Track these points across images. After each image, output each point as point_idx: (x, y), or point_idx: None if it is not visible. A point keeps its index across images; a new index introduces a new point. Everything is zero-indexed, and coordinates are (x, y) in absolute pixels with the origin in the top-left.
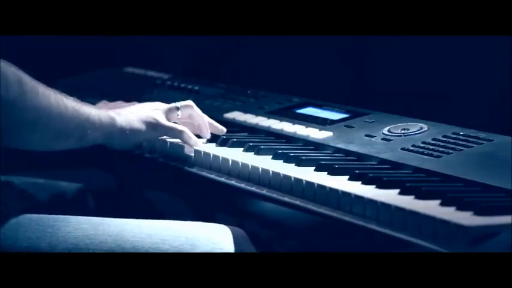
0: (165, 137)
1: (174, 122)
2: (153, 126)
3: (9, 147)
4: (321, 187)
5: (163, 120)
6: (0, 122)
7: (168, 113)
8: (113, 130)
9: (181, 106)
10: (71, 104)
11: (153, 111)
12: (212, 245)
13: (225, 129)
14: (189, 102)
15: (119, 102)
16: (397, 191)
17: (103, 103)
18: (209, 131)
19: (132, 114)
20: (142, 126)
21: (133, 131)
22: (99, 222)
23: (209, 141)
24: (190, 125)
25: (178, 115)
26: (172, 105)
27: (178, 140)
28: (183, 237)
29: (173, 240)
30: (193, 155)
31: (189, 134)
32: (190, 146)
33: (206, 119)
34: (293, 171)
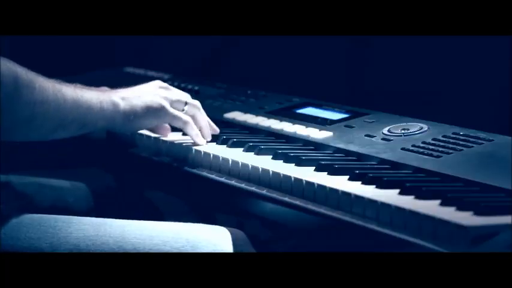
0: (166, 138)
1: None
2: (158, 113)
3: (7, 140)
4: (321, 187)
5: (168, 107)
6: None
7: (174, 103)
8: (116, 116)
9: (189, 103)
10: (70, 95)
11: (159, 98)
12: (213, 247)
13: (218, 130)
14: (197, 102)
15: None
16: (397, 191)
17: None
18: (210, 135)
19: (137, 99)
20: (147, 112)
21: (138, 117)
22: (100, 223)
23: (209, 141)
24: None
25: (183, 109)
26: (181, 98)
27: (177, 140)
28: (184, 239)
29: (174, 242)
30: (193, 152)
31: (192, 125)
32: (192, 137)
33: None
34: (293, 171)
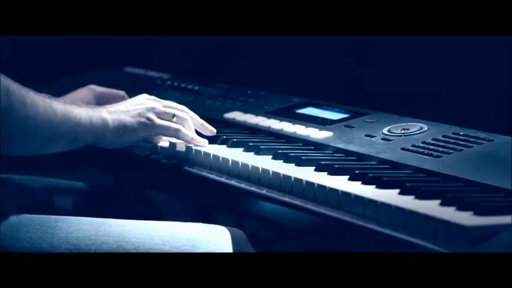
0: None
1: None
2: (147, 126)
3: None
4: (321, 187)
5: (156, 119)
6: None
7: (162, 115)
8: (105, 131)
9: (177, 116)
10: (60, 109)
11: (147, 110)
12: (213, 246)
13: (214, 131)
14: (186, 115)
15: (110, 91)
16: (397, 191)
17: (90, 88)
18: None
19: (125, 114)
20: (136, 126)
21: (127, 131)
22: (100, 223)
23: (209, 141)
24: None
25: (172, 121)
26: (170, 110)
27: (177, 140)
28: (184, 239)
29: (174, 242)
30: (193, 152)
31: (185, 131)
32: (188, 142)
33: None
34: (293, 171)
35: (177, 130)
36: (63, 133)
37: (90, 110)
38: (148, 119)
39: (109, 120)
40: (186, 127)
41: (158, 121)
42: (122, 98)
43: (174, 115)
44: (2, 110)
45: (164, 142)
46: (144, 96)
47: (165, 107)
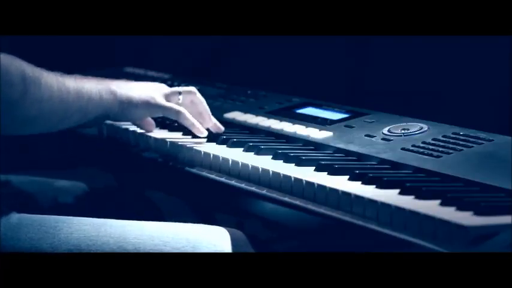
0: (164, 136)
1: None
2: (151, 105)
3: (11, 135)
4: (321, 187)
5: (161, 100)
6: (2, 116)
7: (168, 96)
8: (113, 103)
9: (183, 91)
10: (73, 86)
11: (153, 91)
12: (214, 248)
13: (222, 128)
14: (192, 88)
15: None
16: (397, 191)
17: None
18: (212, 119)
19: (132, 90)
20: (141, 103)
21: (132, 106)
22: (101, 224)
23: (209, 141)
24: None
25: (179, 99)
26: (175, 89)
27: (177, 140)
28: (185, 240)
29: (175, 242)
30: (193, 152)
31: (186, 115)
32: (188, 127)
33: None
34: (293, 171)
35: (179, 112)
36: (75, 110)
37: (99, 83)
38: (152, 98)
39: (117, 93)
40: (196, 100)
41: (160, 101)
42: None
43: (180, 93)
44: (19, 94)
45: (164, 142)
46: (156, 83)
47: (171, 89)
